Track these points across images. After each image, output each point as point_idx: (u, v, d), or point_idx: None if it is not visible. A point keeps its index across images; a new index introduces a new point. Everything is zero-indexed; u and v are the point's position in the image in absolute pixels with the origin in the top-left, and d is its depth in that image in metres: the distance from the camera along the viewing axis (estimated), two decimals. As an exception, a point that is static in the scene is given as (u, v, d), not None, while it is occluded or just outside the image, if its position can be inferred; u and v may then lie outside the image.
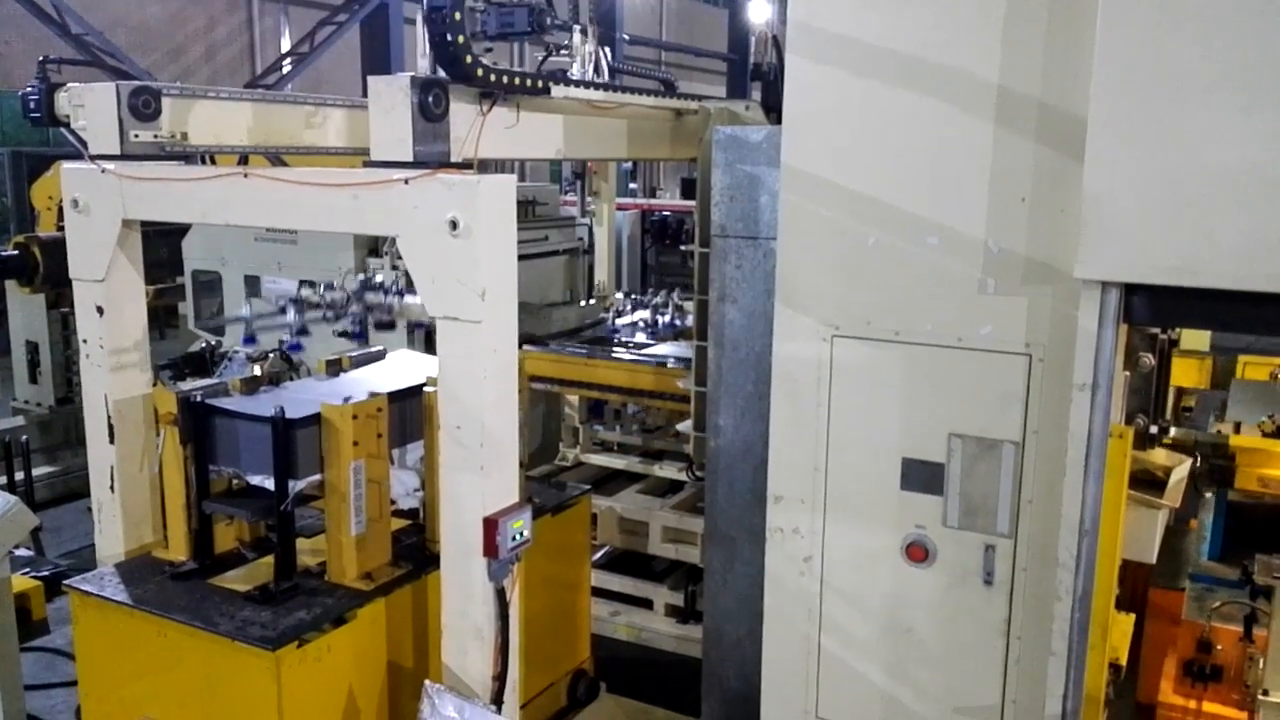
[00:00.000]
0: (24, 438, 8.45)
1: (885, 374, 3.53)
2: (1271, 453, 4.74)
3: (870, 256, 3.48)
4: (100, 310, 4.15)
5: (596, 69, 5.18)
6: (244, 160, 5.32)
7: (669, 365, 6.31)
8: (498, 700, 3.67)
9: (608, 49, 5.53)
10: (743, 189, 3.93)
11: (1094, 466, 3.07)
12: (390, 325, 4.20)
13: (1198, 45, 2.70)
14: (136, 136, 3.93)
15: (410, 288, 4.53)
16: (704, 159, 4.24)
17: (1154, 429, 3.84)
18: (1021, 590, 3.44)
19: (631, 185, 20.79)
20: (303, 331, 4.01)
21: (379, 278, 4.73)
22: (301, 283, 4.42)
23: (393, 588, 4.01)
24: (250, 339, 3.89)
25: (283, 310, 4.21)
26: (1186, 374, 5.88)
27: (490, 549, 3.53)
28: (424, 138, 3.51)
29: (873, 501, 3.62)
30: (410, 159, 3.48)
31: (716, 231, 4.02)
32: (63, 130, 4.27)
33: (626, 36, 24.55)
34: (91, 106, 4.02)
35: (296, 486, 3.86)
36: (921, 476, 3.53)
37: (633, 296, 8.38)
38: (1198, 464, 4.64)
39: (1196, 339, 6.04)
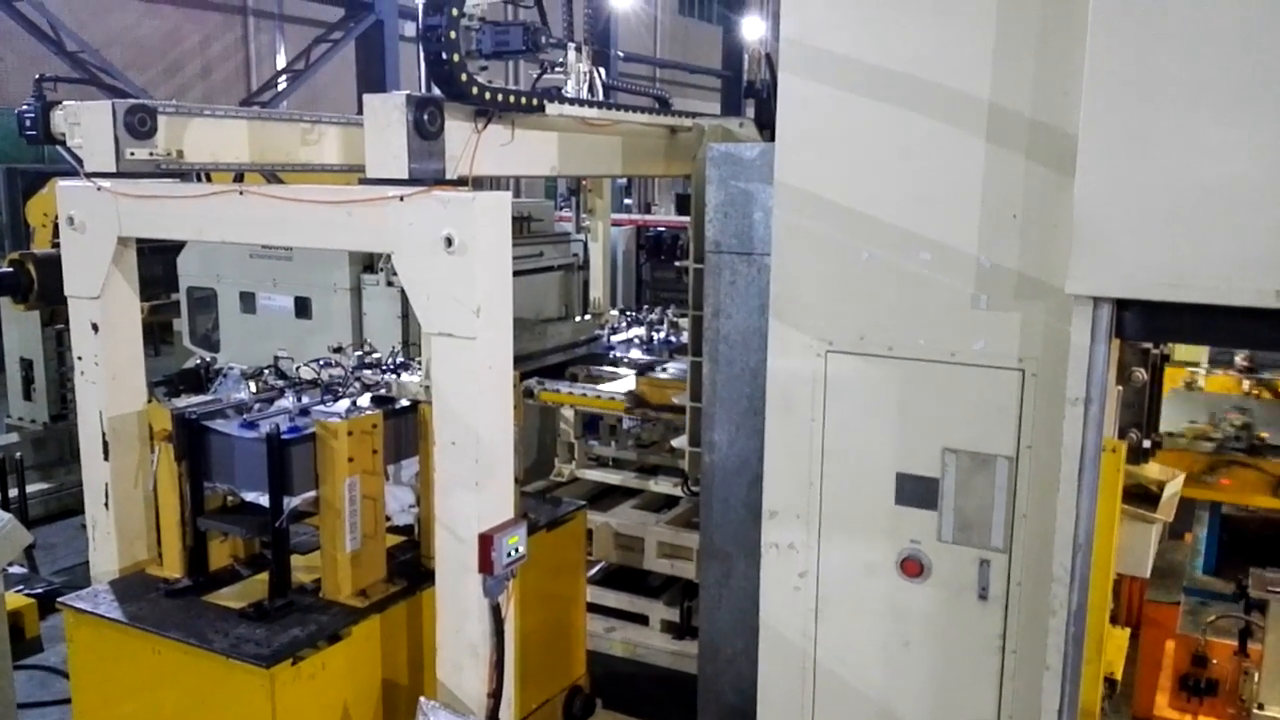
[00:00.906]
0: (18, 455, 8.43)
1: (879, 389, 3.55)
2: None
3: (863, 272, 3.50)
4: (95, 327, 4.16)
5: (591, 88, 5.21)
6: (239, 178, 5.34)
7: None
8: (493, 717, 3.66)
9: (602, 69, 5.56)
10: (737, 205, 3.95)
11: (1087, 481, 3.08)
12: (390, 402, 4.26)
13: (1187, 62, 2.73)
14: (132, 154, 3.95)
15: (406, 365, 4.63)
16: (698, 176, 4.26)
17: (1146, 443, 3.85)
18: (1016, 605, 3.45)
19: (626, 201, 20.83)
20: (304, 413, 4.04)
21: (375, 355, 4.81)
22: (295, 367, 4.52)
23: (387, 604, 4.00)
24: (250, 425, 3.93)
25: (281, 393, 4.25)
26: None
27: (485, 565, 3.53)
28: (419, 155, 3.52)
29: (867, 516, 3.63)
30: (405, 176, 3.50)
31: (711, 247, 4.04)
32: (58, 148, 4.29)
33: (621, 54, 24.67)
34: (87, 124, 4.03)
35: (291, 503, 3.86)
36: (916, 491, 3.53)
37: (628, 313, 8.39)
38: None
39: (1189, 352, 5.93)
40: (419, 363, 4.69)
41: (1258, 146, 2.68)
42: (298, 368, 4.49)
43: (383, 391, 4.41)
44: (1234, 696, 4.68)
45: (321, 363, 4.54)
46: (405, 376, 4.54)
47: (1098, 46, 2.83)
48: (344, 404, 4.19)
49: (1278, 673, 4.08)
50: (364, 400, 4.27)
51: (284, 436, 3.80)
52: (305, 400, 4.25)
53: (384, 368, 4.68)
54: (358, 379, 4.48)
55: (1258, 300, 2.74)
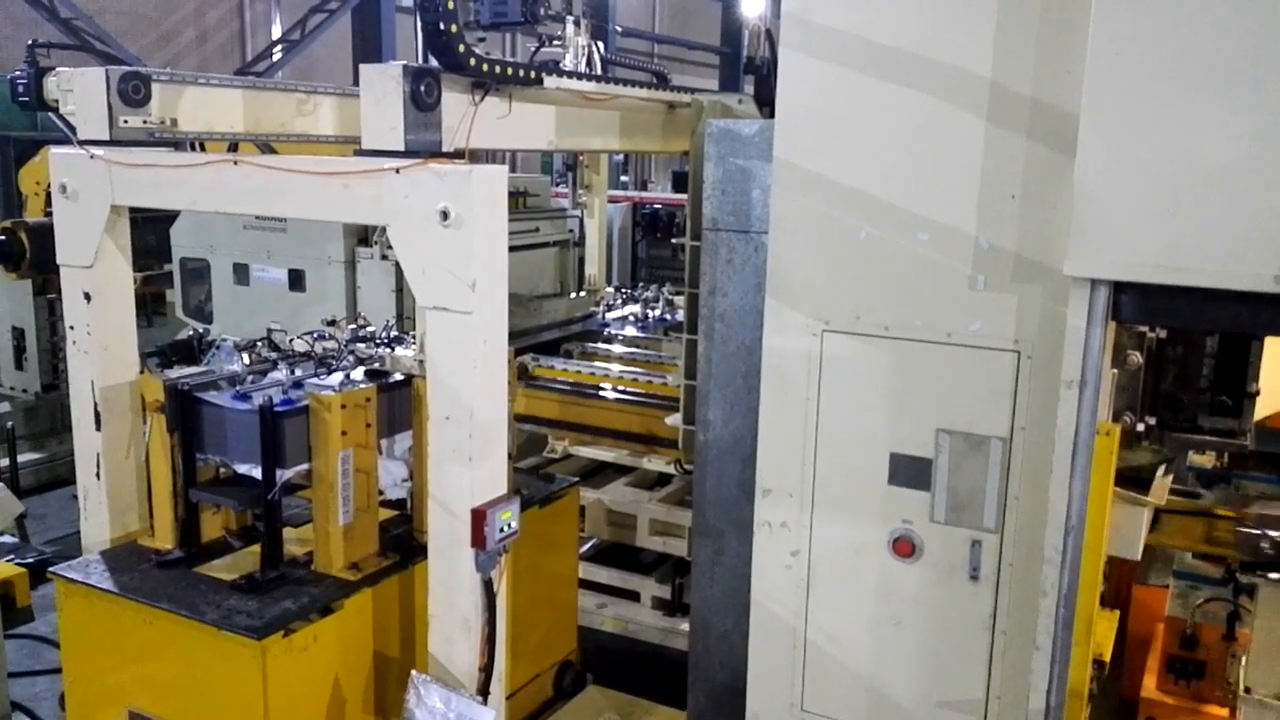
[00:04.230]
0: (9, 424, 8.42)
1: (874, 369, 3.54)
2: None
3: (861, 251, 3.49)
4: (88, 296, 4.13)
5: (589, 63, 5.17)
6: (234, 148, 5.30)
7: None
8: (484, 691, 3.67)
9: (600, 43, 5.51)
10: (734, 182, 3.93)
11: (1081, 463, 3.08)
12: (384, 375, 4.24)
13: (1189, 43, 2.71)
14: (126, 122, 3.90)
15: (400, 339, 4.61)
16: (696, 152, 4.23)
17: (1140, 427, 3.85)
18: (1007, 585, 3.46)
19: (623, 178, 20.75)
20: (297, 386, 4.03)
21: (370, 328, 4.78)
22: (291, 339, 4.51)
23: (380, 578, 4.00)
24: (243, 397, 3.91)
25: (274, 365, 4.23)
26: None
27: (478, 540, 3.53)
28: (415, 127, 3.49)
29: (860, 496, 3.63)
30: (401, 148, 3.47)
31: (708, 225, 4.02)
32: (51, 115, 4.24)
33: (619, 29, 24.51)
34: (80, 91, 3.99)
35: (284, 476, 3.85)
36: (909, 472, 3.54)
37: (623, 290, 8.39)
38: None
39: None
40: (413, 336, 4.67)
41: (1259, 129, 2.67)
42: (291, 340, 4.47)
43: (376, 365, 4.40)
44: (1221, 679, 4.72)
45: (315, 335, 4.53)
46: (399, 350, 4.53)
47: (1100, 26, 2.81)
48: (337, 377, 4.18)
49: (1265, 656, 4.11)
50: (357, 373, 4.25)
51: (277, 409, 3.79)
52: (298, 373, 4.23)
53: (378, 341, 4.67)
54: (351, 352, 4.46)
55: (1256, 285, 2.73)
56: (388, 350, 4.53)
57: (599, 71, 5.24)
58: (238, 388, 4.02)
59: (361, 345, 4.57)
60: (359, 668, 3.95)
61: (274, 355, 4.38)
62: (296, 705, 3.70)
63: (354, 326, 4.81)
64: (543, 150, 4.80)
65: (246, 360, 4.28)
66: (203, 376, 4.09)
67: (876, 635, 3.69)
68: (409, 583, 4.09)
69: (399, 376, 4.29)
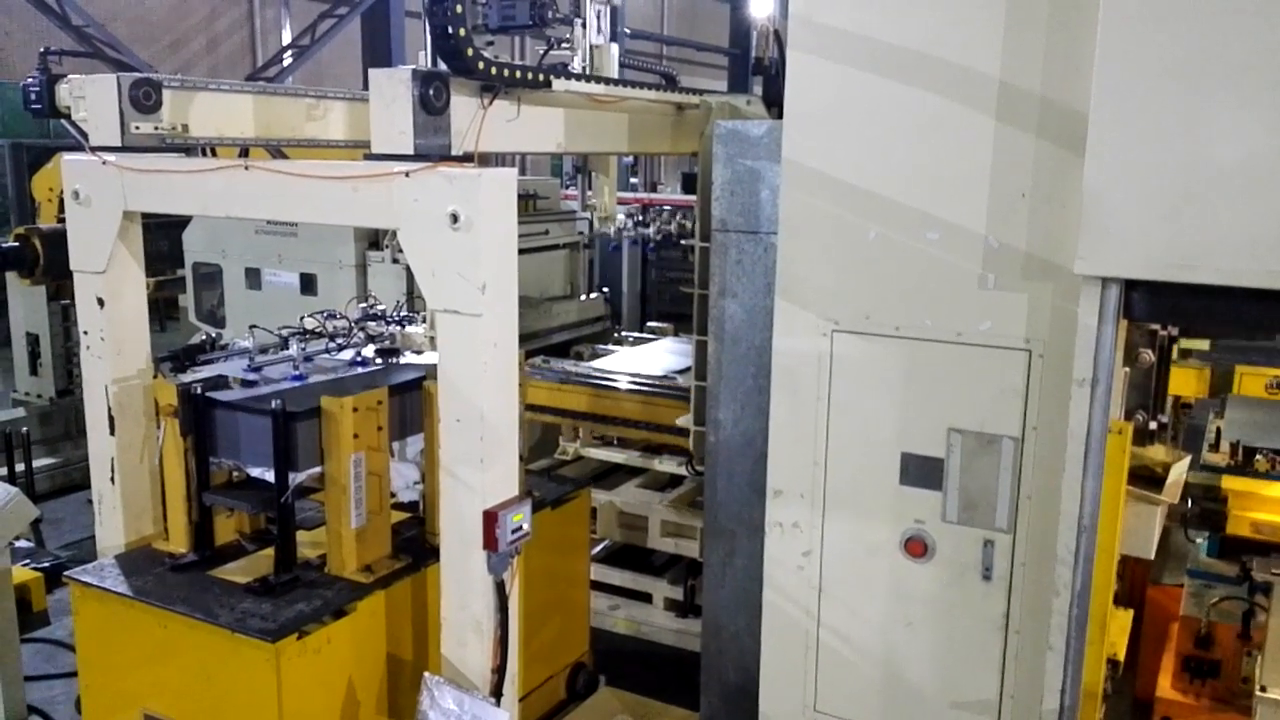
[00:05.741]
0: (24, 429, 8.45)
1: (885, 369, 3.54)
2: (1266, 497, 4.37)
3: (870, 251, 3.48)
4: (101, 302, 4.16)
5: (599, 29, 5.13)
6: (245, 153, 5.32)
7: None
8: (497, 693, 3.68)
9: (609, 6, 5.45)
10: (743, 183, 3.93)
11: (1093, 462, 3.07)
12: (395, 353, 4.24)
13: (1199, 40, 2.70)
14: (137, 128, 3.93)
15: (410, 318, 4.61)
16: (705, 153, 4.23)
17: (1153, 425, 3.84)
18: (1020, 585, 3.45)
19: (632, 180, 20.75)
20: (308, 360, 4.04)
21: (380, 306, 4.79)
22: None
23: (392, 580, 4.01)
24: (255, 370, 3.93)
25: (285, 343, 4.24)
26: (1186, 383, 5.80)
27: (490, 542, 3.54)
28: (425, 131, 3.50)
29: (872, 496, 3.63)
30: (411, 152, 3.48)
31: (717, 226, 4.02)
32: (63, 122, 4.27)
33: (628, 31, 24.50)
34: (92, 98, 4.02)
35: (297, 479, 3.86)
36: (921, 471, 3.53)
37: (634, 217, 8.28)
38: (1188, 506, 4.49)
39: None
40: (423, 316, 4.65)
41: (1271, 126, 2.66)
42: (302, 318, 4.48)
43: (387, 343, 4.39)
44: (1236, 678, 4.70)
45: (325, 314, 4.54)
46: (410, 328, 4.51)
47: (1109, 23, 2.80)
48: (348, 353, 4.18)
49: (1280, 655, 4.08)
50: (368, 351, 4.26)
51: (289, 412, 3.80)
52: (310, 347, 4.24)
53: (388, 320, 4.66)
54: (362, 329, 4.46)
55: (1268, 282, 2.72)
56: (398, 328, 4.53)
57: (610, 35, 5.18)
58: (250, 362, 4.03)
59: (372, 323, 4.57)
60: (372, 670, 3.97)
61: (284, 332, 4.40)
62: (310, 707, 3.71)
63: (364, 305, 4.81)
64: (552, 153, 4.81)
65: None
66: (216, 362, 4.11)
67: (889, 636, 3.68)
68: (421, 585, 4.10)
69: (409, 355, 4.29)
